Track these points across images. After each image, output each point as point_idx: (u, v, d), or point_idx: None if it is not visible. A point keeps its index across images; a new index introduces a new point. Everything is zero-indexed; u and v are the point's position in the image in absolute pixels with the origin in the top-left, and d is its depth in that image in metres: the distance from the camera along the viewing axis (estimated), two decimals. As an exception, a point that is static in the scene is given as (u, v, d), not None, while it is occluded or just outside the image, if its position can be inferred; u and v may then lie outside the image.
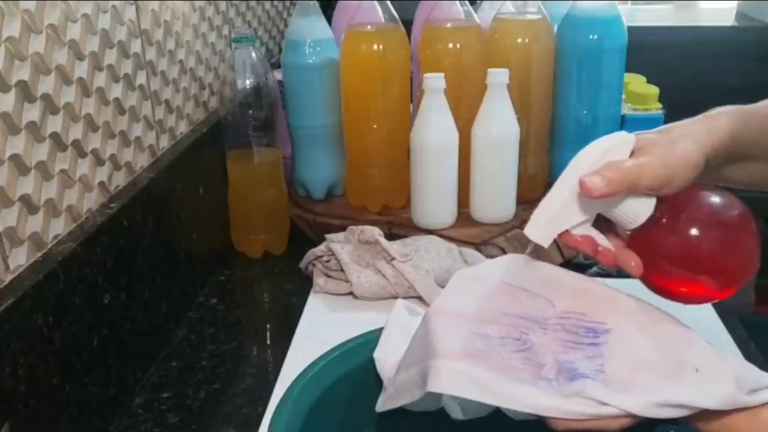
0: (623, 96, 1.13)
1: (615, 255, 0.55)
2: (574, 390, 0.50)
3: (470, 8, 1.04)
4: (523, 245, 0.97)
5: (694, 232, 0.53)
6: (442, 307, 0.58)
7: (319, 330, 0.85)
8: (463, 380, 0.51)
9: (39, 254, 0.64)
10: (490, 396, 0.50)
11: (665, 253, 0.54)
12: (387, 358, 0.62)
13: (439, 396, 0.62)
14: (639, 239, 0.55)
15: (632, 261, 0.55)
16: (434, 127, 0.97)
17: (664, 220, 0.54)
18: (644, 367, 0.51)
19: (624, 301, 0.56)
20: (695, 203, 0.55)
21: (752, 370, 0.51)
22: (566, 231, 0.55)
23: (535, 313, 0.56)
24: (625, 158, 0.53)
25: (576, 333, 0.54)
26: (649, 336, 0.53)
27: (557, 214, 0.55)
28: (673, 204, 0.54)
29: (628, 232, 0.56)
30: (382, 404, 0.60)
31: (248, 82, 0.99)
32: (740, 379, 0.49)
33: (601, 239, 0.55)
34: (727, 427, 0.49)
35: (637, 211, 0.53)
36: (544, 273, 0.59)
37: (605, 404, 0.49)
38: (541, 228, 0.55)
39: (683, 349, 0.52)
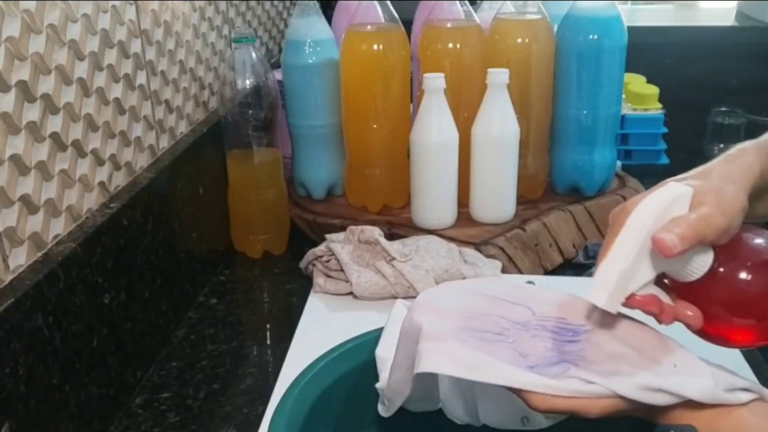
0: (623, 96, 1.13)
1: (675, 310, 0.54)
2: (557, 372, 0.51)
3: (470, 8, 1.04)
4: (523, 245, 0.98)
5: (748, 277, 0.53)
6: (425, 305, 0.59)
7: (319, 330, 0.84)
8: (448, 359, 0.51)
9: (39, 254, 0.64)
10: (475, 373, 0.51)
11: (721, 300, 0.54)
12: (388, 356, 0.62)
13: (437, 395, 0.63)
14: (692, 289, 0.54)
15: (690, 312, 0.54)
16: (434, 127, 0.97)
17: (718, 268, 0.53)
18: (624, 360, 0.52)
19: (601, 310, 0.57)
20: (744, 248, 0.54)
21: (728, 372, 0.52)
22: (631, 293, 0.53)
23: (515, 316, 0.58)
24: (686, 212, 0.52)
25: (556, 332, 0.56)
26: (627, 338, 0.54)
27: (624, 277, 0.52)
28: (723, 250, 0.54)
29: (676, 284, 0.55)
30: (385, 410, 0.60)
31: (248, 82, 0.99)
32: (717, 377, 0.51)
33: (664, 296, 0.54)
34: (704, 423, 0.50)
35: (700, 262, 0.53)
36: (522, 288, 0.62)
37: (591, 383, 0.50)
38: (608, 293, 0.52)
39: (660, 350, 0.53)
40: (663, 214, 0.52)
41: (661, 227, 0.51)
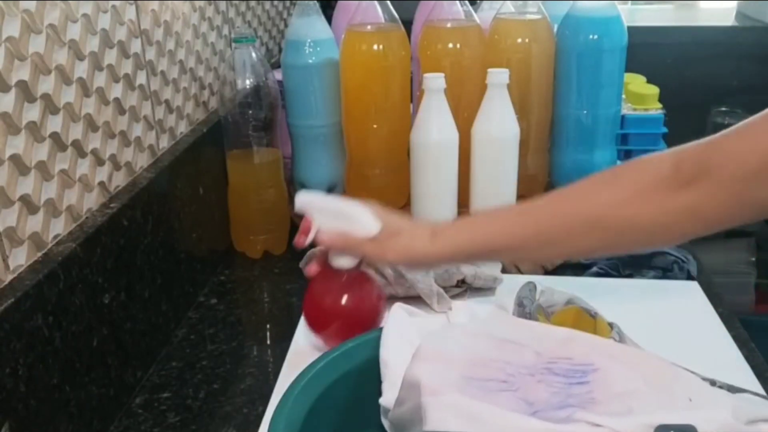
0: (623, 96, 1.13)
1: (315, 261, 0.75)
2: (563, 416, 0.50)
3: (470, 8, 1.04)
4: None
5: (323, 296, 0.77)
6: (428, 353, 0.58)
7: (319, 330, 0.84)
8: (452, 414, 0.51)
9: (39, 254, 0.64)
10: (482, 426, 0.50)
11: (311, 296, 0.79)
12: (388, 359, 0.62)
13: None
14: (330, 275, 0.75)
15: (312, 269, 0.75)
16: (434, 127, 0.97)
17: (328, 277, 0.75)
18: (636, 397, 0.51)
19: (609, 345, 0.58)
20: (340, 277, 0.75)
21: (748, 401, 0.51)
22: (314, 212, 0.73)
23: (521, 360, 0.57)
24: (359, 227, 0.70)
25: (564, 375, 0.55)
26: (638, 372, 0.53)
27: (319, 203, 0.74)
28: (348, 276, 0.75)
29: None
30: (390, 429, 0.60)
31: (248, 82, 0.98)
32: (736, 408, 0.49)
33: (317, 232, 0.72)
34: None
35: (341, 261, 0.74)
36: (528, 327, 0.61)
37: (598, 426, 0.48)
38: (307, 198, 0.74)
39: (673, 383, 0.52)
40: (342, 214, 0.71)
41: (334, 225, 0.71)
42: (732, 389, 0.64)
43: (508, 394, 0.53)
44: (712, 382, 0.62)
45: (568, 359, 0.56)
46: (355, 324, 0.75)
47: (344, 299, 0.76)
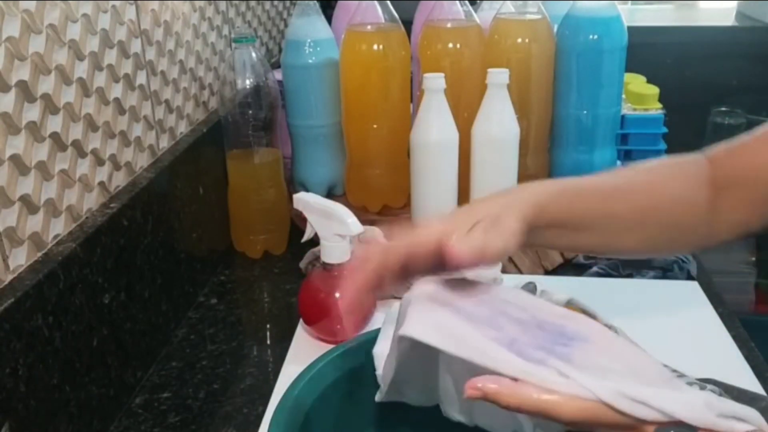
0: (623, 96, 1.13)
1: None
2: (538, 357, 0.49)
3: (470, 8, 1.04)
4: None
5: (315, 293, 0.82)
6: (425, 282, 0.59)
7: (319, 330, 0.84)
8: (427, 325, 0.51)
9: (39, 254, 0.64)
10: (454, 345, 0.49)
11: (305, 285, 0.85)
12: (384, 353, 0.62)
13: (434, 389, 0.62)
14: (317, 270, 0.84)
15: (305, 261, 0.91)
16: (434, 127, 0.97)
17: (323, 275, 0.82)
18: (613, 372, 0.50)
19: (604, 330, 0.57)
20: (331, 276, 0.81)
21: (724, 401, 0.50)
22: None
23: (514, 313, 0.57)
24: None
25: (552, 334, 0.54)
26: (624, 358, 0.53)
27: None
28: (332, 273, 0.82)
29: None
30: (378, 395, 0.60)
31: (248, 82, 0.98)
32: (711, 402, 0.48)
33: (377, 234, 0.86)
34: None
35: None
36: (526, 297, 0.61)
37: (566, 377, 0.47)
38: (301, 197, 0.83)
39: (655, 378, 0.51)
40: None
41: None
42: (728, 388, 0.64)
43: (492, 329, 0.53)
44: (702, 386, 0.62)
45: (561, 326, 0.56)
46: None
47: (335, 295, 0.81)
